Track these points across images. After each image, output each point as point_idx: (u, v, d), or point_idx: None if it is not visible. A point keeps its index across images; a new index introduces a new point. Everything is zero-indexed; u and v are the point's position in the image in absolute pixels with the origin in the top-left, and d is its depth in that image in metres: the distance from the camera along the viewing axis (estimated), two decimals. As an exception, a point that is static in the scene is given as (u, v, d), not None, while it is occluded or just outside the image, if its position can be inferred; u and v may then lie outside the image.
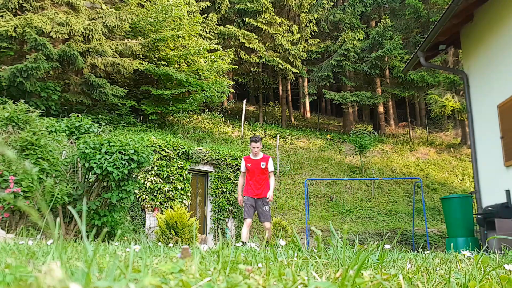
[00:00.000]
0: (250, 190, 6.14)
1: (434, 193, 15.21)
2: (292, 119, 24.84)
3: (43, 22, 11.26)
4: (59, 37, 11.58)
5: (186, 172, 9.93)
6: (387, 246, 2.11)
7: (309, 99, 23.71)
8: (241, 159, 7.70)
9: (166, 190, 9.39)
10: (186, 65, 15.44)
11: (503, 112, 6.67)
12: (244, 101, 19.76)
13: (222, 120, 18.84)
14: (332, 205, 13.82)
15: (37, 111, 5.94)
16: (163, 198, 9.32)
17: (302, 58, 21.75)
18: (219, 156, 10.65)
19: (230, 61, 17.64)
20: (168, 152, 9.66)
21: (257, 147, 6.05)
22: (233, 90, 21.30)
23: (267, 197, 6.03)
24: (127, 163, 5.58)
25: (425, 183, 15.74)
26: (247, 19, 20.61)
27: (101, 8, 13.18)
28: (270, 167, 6.14)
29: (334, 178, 15.12)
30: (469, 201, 7.11)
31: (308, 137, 20.19)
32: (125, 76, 14.14)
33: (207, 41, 16.85)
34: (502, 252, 3.92)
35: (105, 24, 12.62)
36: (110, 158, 5.45)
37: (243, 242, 5.72)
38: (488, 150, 7.22)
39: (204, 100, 15.87)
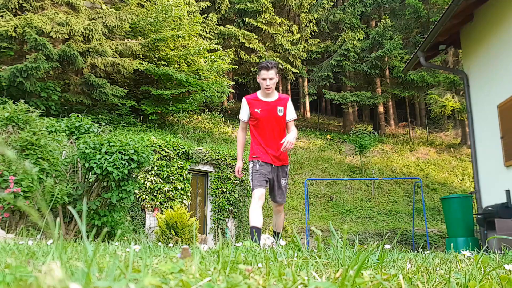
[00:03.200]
0: (261, 151, 3.72)
1: (434, 193, 15.20)
2: (292, 119, 24.81)
3: (43, 22, 11.26)
4: (59, 37, 11.58)
5: (186, 172, 9.93)
6: (387, 246, 2.11)
7: (309, 99, 23.72)
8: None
9: (166, 190, 9.39)
10: (186, 65, 15.44)
11: (503, 112, 6.67)
12: (244, 101, 19.73)
13: (222, 120, 18.82)
14: (332, 205, 13.82)
15: (37, 111, 5.93)
16: (163, 198, 9.33)
17: (302, 58, 21.76)
18: (219, 156, 10.65)
19: (230, 61, 17.64)
20: (168, 152, 9.66)
21: (271, 80, 3.63)
22: (233, 90, 21.30)
23: (287, 143, 3.52)
24: (127, 163, 5.58)
25: (425, 183, 15.73)
26: (247, 19, 20.62)
27: (101, 8, 13.19)
28: (292, 113, 3.81)
29: (334, 178, 15.12)
30: (469, 201, 7.11)
31: (308, 137, 20.19)
32: (125, 76, 14.14)
33: (207, 41, 16.86)
34: (502, 252, 3.92)
35: (105, 24, 12.62)
36: (110, 158, 5.46)
37: (255, 228, 3.42)
38: (488, 150, 7.22)
39: (204, 100, 15.88)
